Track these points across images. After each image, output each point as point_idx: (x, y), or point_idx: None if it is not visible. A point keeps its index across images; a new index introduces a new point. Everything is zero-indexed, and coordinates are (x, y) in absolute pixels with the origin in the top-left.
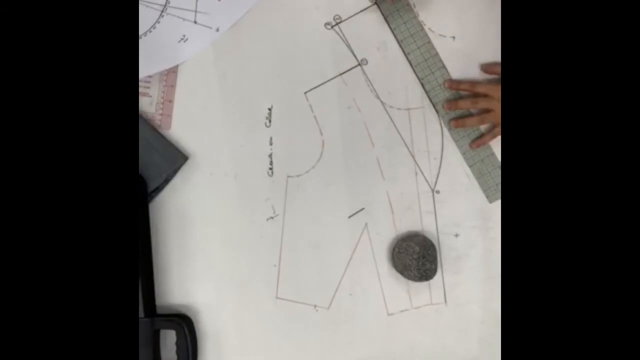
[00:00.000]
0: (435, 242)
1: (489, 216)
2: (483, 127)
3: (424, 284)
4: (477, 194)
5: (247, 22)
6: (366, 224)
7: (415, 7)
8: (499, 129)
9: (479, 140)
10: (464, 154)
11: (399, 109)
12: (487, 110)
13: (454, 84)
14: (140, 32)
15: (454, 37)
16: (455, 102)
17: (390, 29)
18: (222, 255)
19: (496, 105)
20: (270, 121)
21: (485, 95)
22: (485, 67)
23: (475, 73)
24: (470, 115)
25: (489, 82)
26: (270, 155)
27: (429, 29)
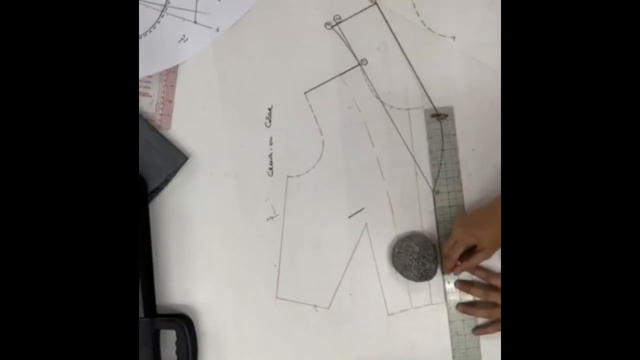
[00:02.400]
0: (435, 242)
1: None
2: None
3: (424, 284)
4: (477, 194)
5: (247, 22)
6: (366, 224)
7: (415, 7)
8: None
9: (482, 330)
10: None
11: (399, 109)
12: (496, 305)
13: (472, 269)
14: (140, 32)
15: (454, 37)
16: (468, 287)
17: (390, 29)
18: (222, 255)
19: None
20: (270, 121)
21: (498, 290)
22: (486, 277)
23: (476, 74)
24: (479, 305)
25: None
26: (270, 155)
27: (429, 29)
